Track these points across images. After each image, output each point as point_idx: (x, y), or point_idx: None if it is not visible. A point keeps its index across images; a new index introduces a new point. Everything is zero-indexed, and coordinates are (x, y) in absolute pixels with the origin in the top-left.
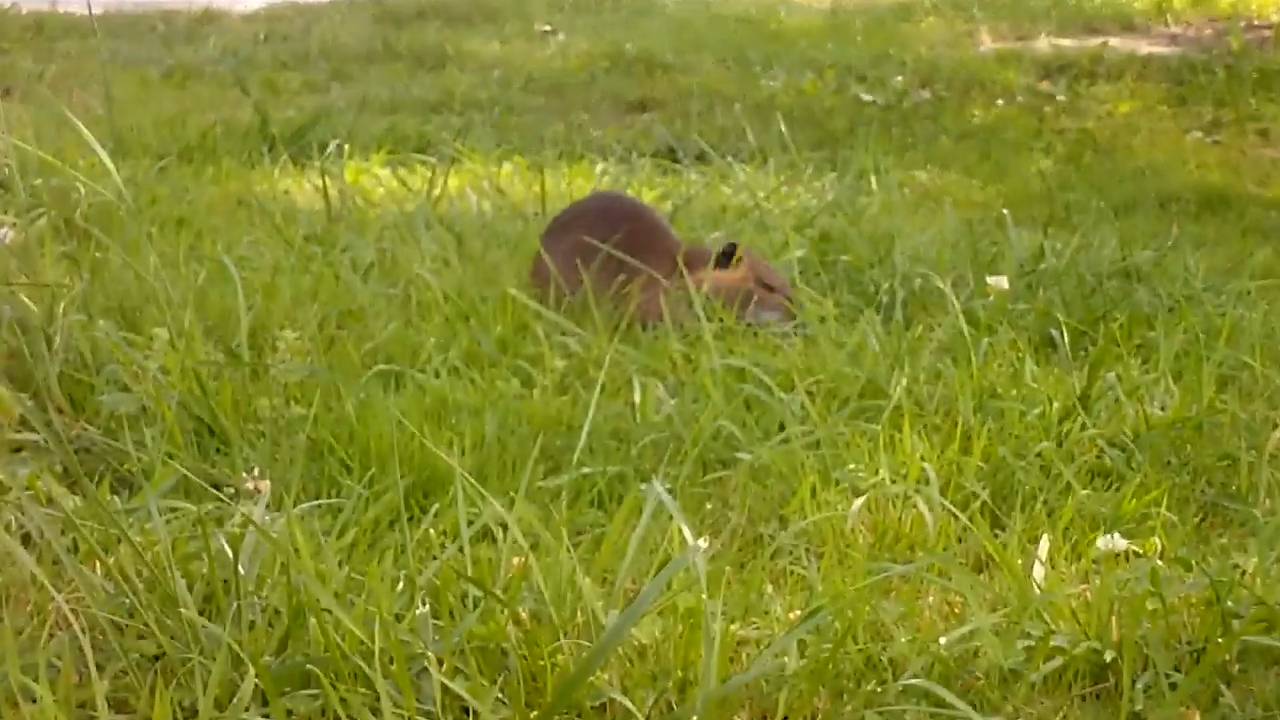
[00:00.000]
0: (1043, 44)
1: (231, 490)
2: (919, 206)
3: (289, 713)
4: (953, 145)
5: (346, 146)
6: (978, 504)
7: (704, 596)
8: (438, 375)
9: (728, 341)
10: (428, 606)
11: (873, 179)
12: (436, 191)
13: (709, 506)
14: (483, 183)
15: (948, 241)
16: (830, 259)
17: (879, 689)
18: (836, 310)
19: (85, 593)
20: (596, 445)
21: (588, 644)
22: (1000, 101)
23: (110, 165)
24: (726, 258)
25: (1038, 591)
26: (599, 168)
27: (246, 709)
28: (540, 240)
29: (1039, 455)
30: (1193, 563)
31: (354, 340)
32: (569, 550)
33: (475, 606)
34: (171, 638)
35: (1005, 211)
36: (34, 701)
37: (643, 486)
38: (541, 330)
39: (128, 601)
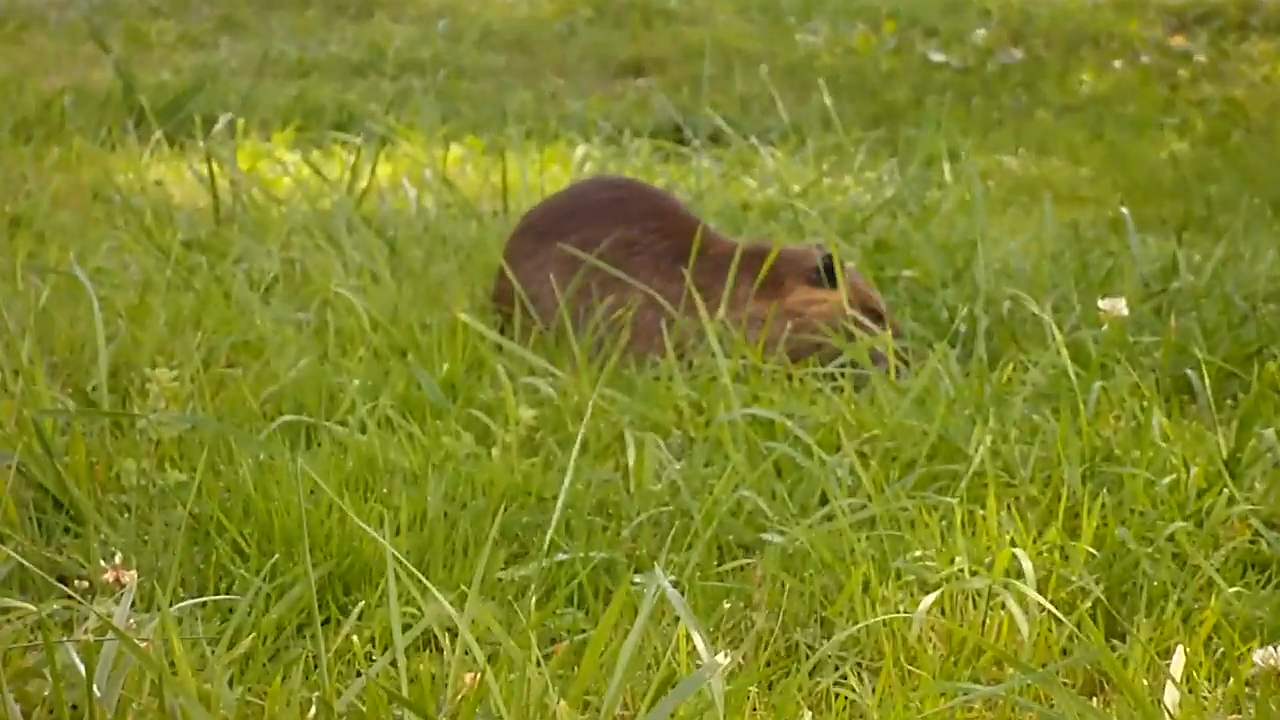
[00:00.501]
0: None
1: (85, 584)
2: (1008, 204)
3: None
4: (1054, 122)
5: (240, 122)
6: (1088, 604)
7: None
8: (364, 429)
9: (752, 384)
10: None
11: (945, 167)
12: (362, 183)
13: (727, 606)
14: (424, 171)
15: (1046, 251)
16: (889, 274)
17: None
18: (899, 343)
19: None
20: (576, 523)
21: None
22: (1118, 64)
23: None
24: (827, 273)
25: None
26: (579, 151)
27: None
28: (505, 248)
29: (1171, 539)
30: None
31: (251, 382)
32: (539, 664)
33: None
34: None
35: (1125, 211)
36: None
37: (638, 578)
38: (503, 369)
39: None
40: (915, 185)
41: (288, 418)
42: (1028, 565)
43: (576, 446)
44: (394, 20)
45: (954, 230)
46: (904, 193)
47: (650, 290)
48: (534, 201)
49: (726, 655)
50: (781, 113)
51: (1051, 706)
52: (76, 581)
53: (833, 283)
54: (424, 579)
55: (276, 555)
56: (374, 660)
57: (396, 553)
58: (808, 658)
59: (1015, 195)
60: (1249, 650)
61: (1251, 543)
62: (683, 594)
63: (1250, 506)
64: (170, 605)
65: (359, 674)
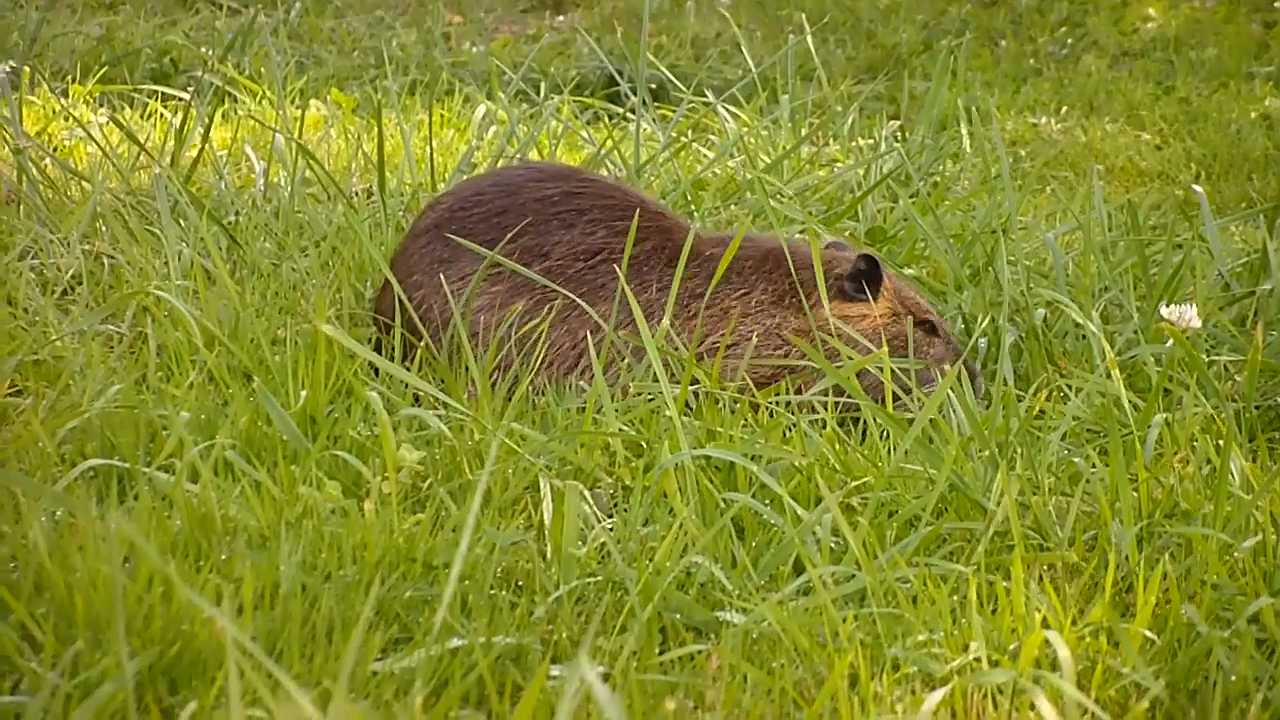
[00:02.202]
0: None
1: None
2: (1046, 180)
3: None
4: (1107, 71)
5: (26, 70)
6: (1145, 704)
7: None
8: (195, 477)
9: (706, 416)
10: None
11: (963, 131)
12: (191, 151)
13: (673, 707)
14: (273, 137)
15: (1095, 243)
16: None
17: None
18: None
19: None
20: (476, 598)
21: None
22: None
23: None
24: (870, 280)
25: None
26: (479, 111)
27: None
28: (396, 250)
29: (1255, 621)
30: None
31: (45, 414)
32: None
33: None
34: None
35: (1199, 189)
36: None
37: (556, 670)
38: (380, 398)
39: None
40: (923, 155)
41: (94, 462)
42: (1064, 653)
43: (476, 498)
44: None
45: (973, 215)
46: (908, 166)
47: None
48: (420, 178)
49: None
50: (747, 59)
51: None
52: None
53: (873, 292)
54: (276, 671)
55: (79, 643)
56: None
57: (240, 637)
58: None
59: (1055, 169)
60: None
61: None
62: (615, 691)
63: None
64: None
65: None
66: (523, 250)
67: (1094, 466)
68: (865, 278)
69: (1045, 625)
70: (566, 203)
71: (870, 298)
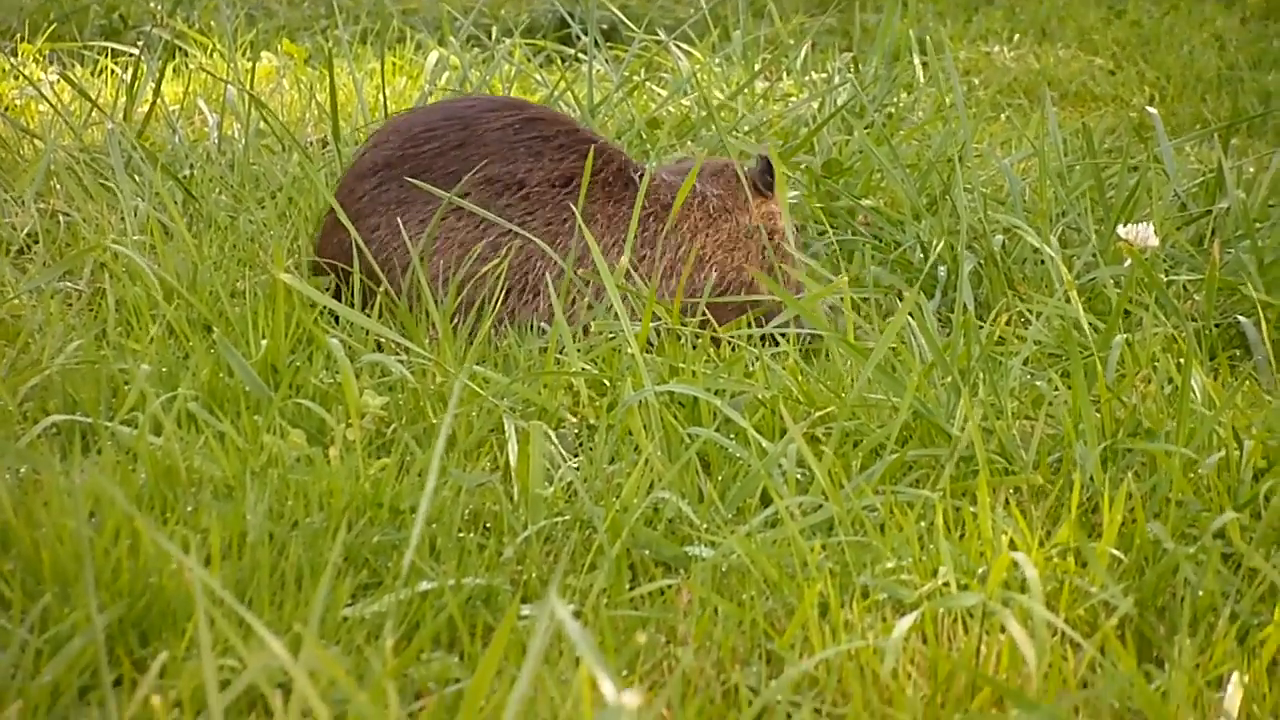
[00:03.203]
0: None
1: None
2: (1000, 107)
3: None
4: None
5: None
6: (1114, 622)
7: None
8: (158, 430)
9: (669, 353)
10: None
11: (916, 61)
12: (142, 107)
13: (644, 640)
14: (225, 89)
15: (1050, 168)
16: (842, 204)
17: None
18: (857, 292)
19: None
20: (444, 541)
21: None
22: None
23: None
24: (767, 181)
25: None
26: (432, 57)
27: None
28: (339, 190)
29: (1221, 536)
30: None
31: (4, 373)
32: None
33: None
34: None
35: (1153, 110)
36: None
37: (527, 610)
38: (340, 345)
39: None
40: (877, 87)
41: (56, 418)
42: (1033, 574)
43: (440, 442)
44: None
45: (928, 145)
46: (862, 98)
47: (527, 234)
48: (373, 125)
49: (643, 699)
50: None
51: None
52: None
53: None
54: (247, 618)
55: (48, 597)
56: None
57: (211, 585)
58: (750, 704)
59: (1009, 96)
60: None
61: None
62: (586, 627)
63: None
64: None
65: None
66: (492, 181)
67: (1056, 389)
68: (770, 174)
69: (1013, 548)
70: (529, 129)
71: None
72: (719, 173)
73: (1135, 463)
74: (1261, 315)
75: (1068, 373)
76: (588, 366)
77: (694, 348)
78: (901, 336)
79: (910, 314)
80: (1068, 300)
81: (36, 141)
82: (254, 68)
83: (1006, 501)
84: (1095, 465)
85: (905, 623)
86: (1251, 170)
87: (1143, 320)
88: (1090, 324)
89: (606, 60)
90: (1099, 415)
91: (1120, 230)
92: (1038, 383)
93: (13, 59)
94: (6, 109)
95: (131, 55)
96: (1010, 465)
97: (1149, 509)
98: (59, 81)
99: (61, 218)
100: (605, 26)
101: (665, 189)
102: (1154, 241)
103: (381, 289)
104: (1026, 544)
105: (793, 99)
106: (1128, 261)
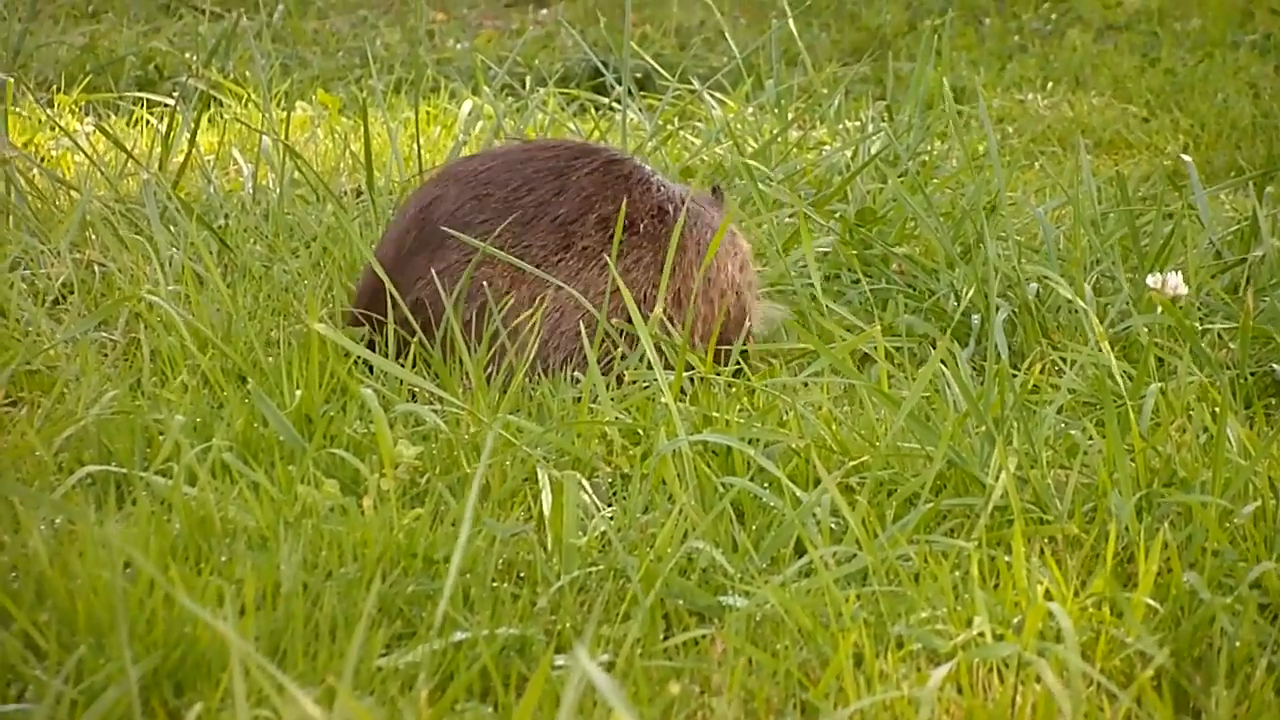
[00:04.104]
0: None
1: None
2: (1034, 156)
3: None
4: (1092, 45)
5: (9, 81)
6: (1150, 673)
7: None
8: (193, 480)
9: (703, 400)
10: None
11: (949, 110)
12: (178, 157)
13: (678, 691)
14: (260, 139)
15: (1084, 215)
16: (876, 252)
17: None
18: (891, 341)
19: None
20: (478, 591)
21: None
22: None
23: None
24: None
25: None
26: (465, 106)
27: None
28: (384, 238)
29: (1257, 586)
30: None
31: (40, 423)
32: None
33: None
34: None
35: (1187, 158)
36: None
37: (560, 660)
38: (375, 395)
39: None
40: (910, 135)
41: (91, 468)
42: (1068, 625)
43: (474, 491)
44: None
45: (962, 193)
46: (895, 146)
47: (561, 283)
48: (407, 175)
49: None
50: (731, 46)
51: None
52: None
53: None
54: (279, 672)
55: (82, 649)
56: None
57: (242, 639)
58: None
59: (1043, 144)
60: None
61: None
62: (619, 677)
63: None
64: None
65: None
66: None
67: (1091, 438)
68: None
69: (1048, 597)
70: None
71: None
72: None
73: (1171, 512)
74: None
75: (1102, 422)
76: (621, 415)
77: (727, 395)
78: (935, 385)
79: (944, 362)
80: (1101, 350)
81: (73, 192)
82: (288, 117)
83: (1041, 551)
84: (1130, 515)
85: (940, 673)
86: None
87: (1177, 369)
88: (1125, 373)
89: (640, 109)
90: (1134, 464)
91: (1149, 279)
92: (1072, 431)
93: (49, 110)
94: (43, 160)
95: (167, 106)
96: (1045, 515)
97: (1185, 559)
98: (94, 132)
99: (97, 268)
100: (639, 75)
101: (703, 227)
102: (1183, 289)
103: (416, 342)
104: (1062, 594)
105: (826, 147)
106: (1161, 310)
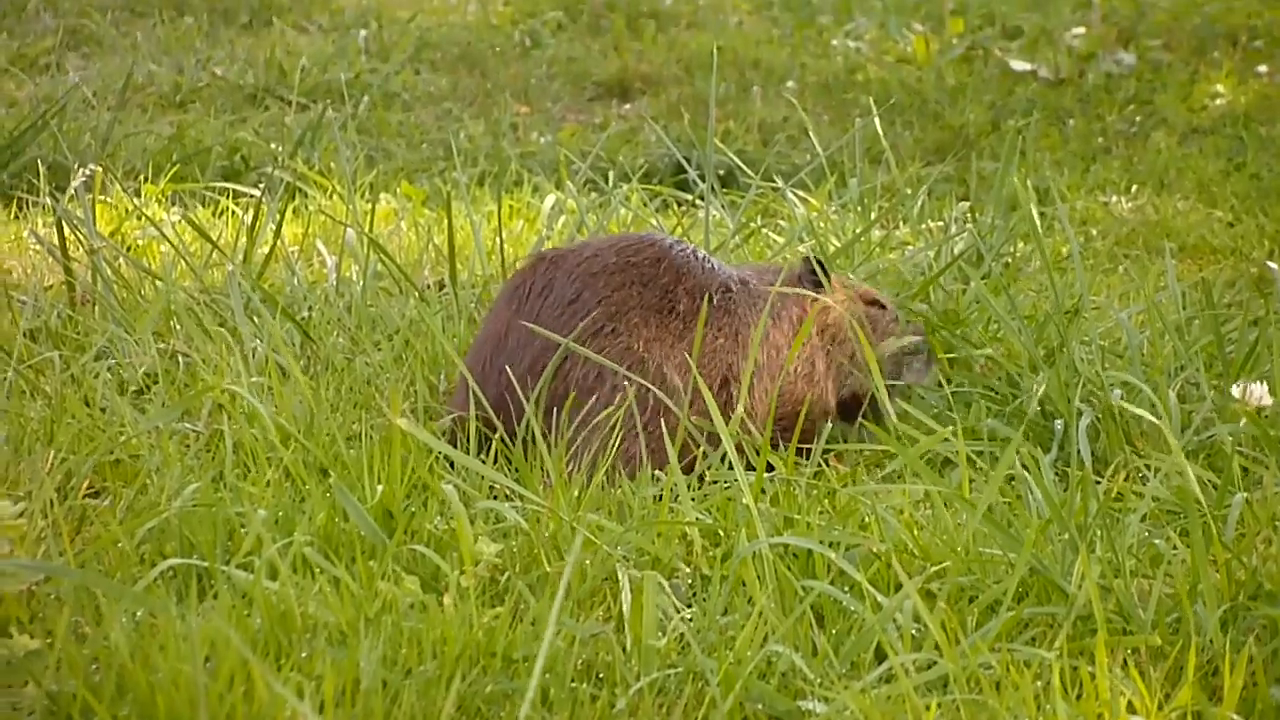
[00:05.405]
0: None
1: None
2: (1118, 259)
3: None
4: (1177, 148)
5: (98, 171)
6: None
7: None
8: (274, 574)
9: (783, 501)
10: None
11: (1033, 211)
12: (262, 248)
13: None
14: (344, 231)
15: (1169, 321)
16: (958, 354)
17: None
18: (971, 445)
19: None
20: (557, 691)
21: None
22: (1263, 68)
23: None
24: (813, 279)
25: None
26: (548, 200)
27: None
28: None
29: None
30: None
31: (123, 514)
32: None
33: None
34: None
35: (1272, 265)
36: None
37: None
38: (456, 492)
39: None
40: (993, 236)
41: (173, 561)
42: None
43: (561, 591)
44: (299, 30)
45: (1045, 296)
46: (979, 247)
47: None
48: (491, 269)
49: None
50: (815, 144)
51: None
52: None
53: (825, 282)
54: None
55: None
56: None
57: None
58: None
59: (1127, 247)
60: None
61: None
62: None
63: None
64: None
65: None
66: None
67: (1175, 549)
68: (816, 271)
69: (1131, 710)
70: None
71: (826, 287)
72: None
73: (1257, 625)
74: None
75: (1187, 532)
76: (702, 516)
77: (808, 496)
78: (1018, 491)
79: (1027, 468)
80: (1185, 458)
81: (157, 282)
82: (373, 209)
83: (1125, 662)
84: (1215, 627)
85: None
86: None
87: (1263, 479)
88: (1210, 482)
89: (723, 205)
90: (1219, 576)
91: (1234, 389)
92: (1156, 541)
93: (136, 199)
94: (129, 249)
95: (252, 196)
96: (1128, 625)
97: (1271, 673)
98: (180, 222)
99: (181, 358)
100: (722, 172)
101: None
102: (1268, 400)
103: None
104: (1145, 707)
105: (909, 247)
106: (1244, 421)
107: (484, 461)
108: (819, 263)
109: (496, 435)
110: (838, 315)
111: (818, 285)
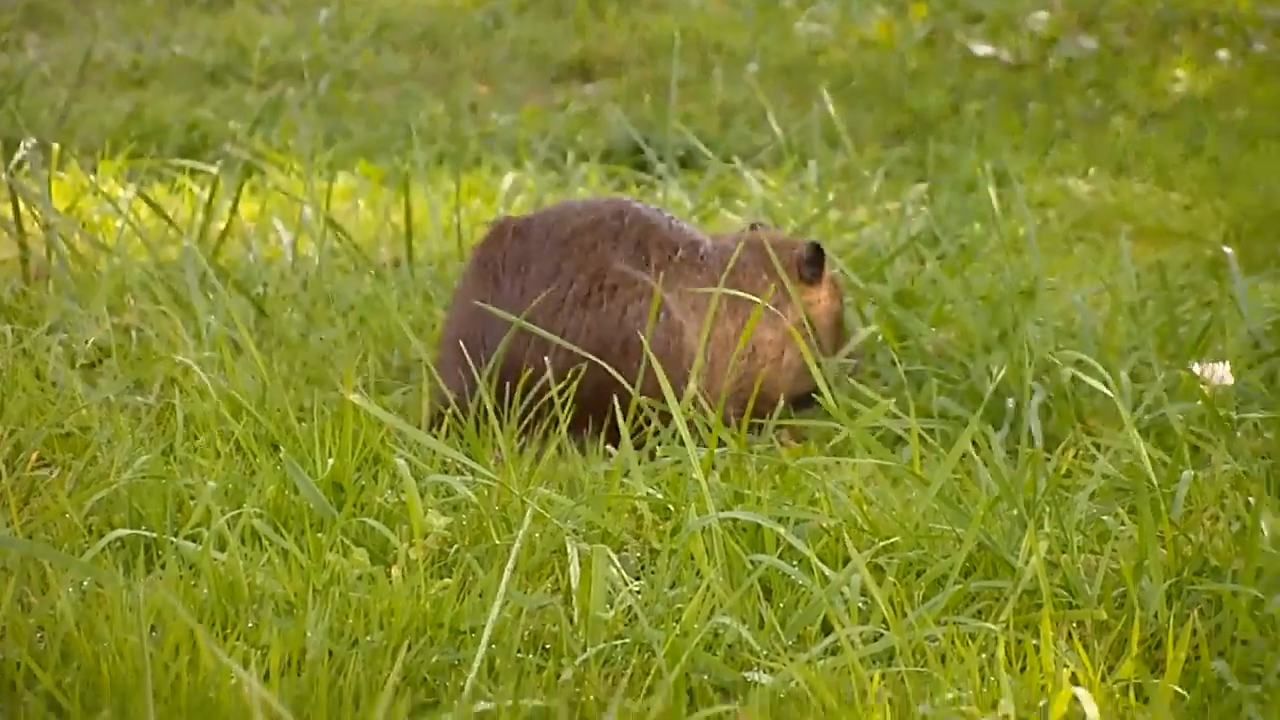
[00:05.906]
0: None
1: None
2: (1074, 241)
3: None
4: (1136, 132)
5: (55, 147)
6: None
7: None
8: (222, 545)
9: (734, 476)
10: None
11: (991, 193)
12: (219, 225)
13: None
14: (301, 209)
15: (1123, 302)
16: (914, 335)
17: None
18: (924, 423)
19: None
20: (503, 662)
21: None
22: (1223, 54)
23: None
24: (815, 266)
25: None
26: (507, 180)
27: None
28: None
29: None
30: None
31: (71, 486)
32: None
33: None
34: None
35: (1228, 249)
36: None
37: None
38: (406, 464)
39: None
40: (950, 218)
41: (121, 532)
42: (1094, 710)
43: (509, 565)
44: (260, 10)
45: (1001, 277)
46: (935, 229)
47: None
48: (447, 247)
49: None
50: (774, 126)
51: None
52: None
53: (819, 275)
54: None
55: (106, 711)
56: None
57: (269, 701)
58: None
59: (1083, 230)
60: None
61: None
62: None
63: None
64: None
65: None
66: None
67: (1123, 525)
68: (817, 263)
69: (1074, 682)
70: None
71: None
72: (764, 259)
73: (1201, 600)
74: None
75: (1135, 509)
76: (652, 490)
77: (759, 471)
78: (968, 468)
79: (977, 445)
80: (1135, 436)
81: (112, 258)
82: (330, 187)
83: (1069, 636)
84: (1160, 601)
85: None
86: None
87: (1212, 458)
88: (1160, 460)
89: (682, 186)
90: (1165, 552)
91: (1195, 367)
92: (1104, 517)
93: (92, 176)
94: (84, 225)
95: (209, 173)
96: (1074, 600)
97: (1214, 647)
98: (136, 199)
99: (134, 333)
100: (681, 152)
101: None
102: (1229, 380)
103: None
104: (1088, 679)
105: (867, 228)
106: (1198, 401)
107: (436, 433)
108: (821, 252)
109: (450, 405)
110: (819, 312)
111: (815, 276)
